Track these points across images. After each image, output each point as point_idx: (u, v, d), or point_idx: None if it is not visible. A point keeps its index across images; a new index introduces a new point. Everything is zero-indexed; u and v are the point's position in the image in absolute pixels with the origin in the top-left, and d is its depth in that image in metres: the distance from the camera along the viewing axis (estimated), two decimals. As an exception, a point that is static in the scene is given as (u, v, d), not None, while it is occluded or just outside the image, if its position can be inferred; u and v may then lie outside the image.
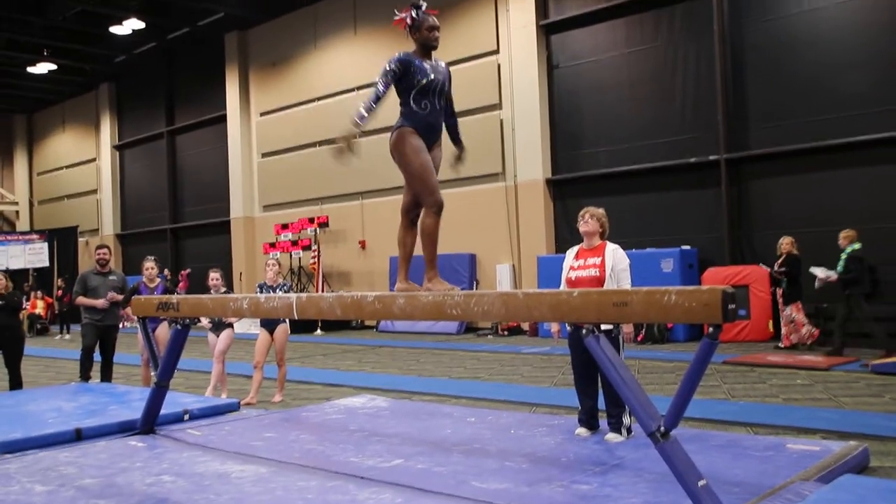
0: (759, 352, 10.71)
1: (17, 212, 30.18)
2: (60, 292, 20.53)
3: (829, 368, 9.02)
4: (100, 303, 8.59)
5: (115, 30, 20.89)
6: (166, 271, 19.87)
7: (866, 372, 8.68)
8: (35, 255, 25.26)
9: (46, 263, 25.06)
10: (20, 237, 26.22)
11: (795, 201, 12.62)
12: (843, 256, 10.27)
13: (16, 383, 8.66)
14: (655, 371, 9.52)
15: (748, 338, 12.10)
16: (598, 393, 5.44)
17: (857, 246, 10.28)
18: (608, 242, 5.56)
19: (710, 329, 3.29)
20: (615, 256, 5.42)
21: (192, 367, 11.16)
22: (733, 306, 3.17)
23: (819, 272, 10.50)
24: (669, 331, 12.68)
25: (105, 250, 9.00)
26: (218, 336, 8.28)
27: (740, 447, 4.92)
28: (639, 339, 12.52)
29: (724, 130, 13.18)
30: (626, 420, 5.26)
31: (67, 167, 28.88)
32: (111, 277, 8.83)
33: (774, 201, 12.91)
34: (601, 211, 5.67)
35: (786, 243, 11.29)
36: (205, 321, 8.13)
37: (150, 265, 8.65)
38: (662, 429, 3.39)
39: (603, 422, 5.47)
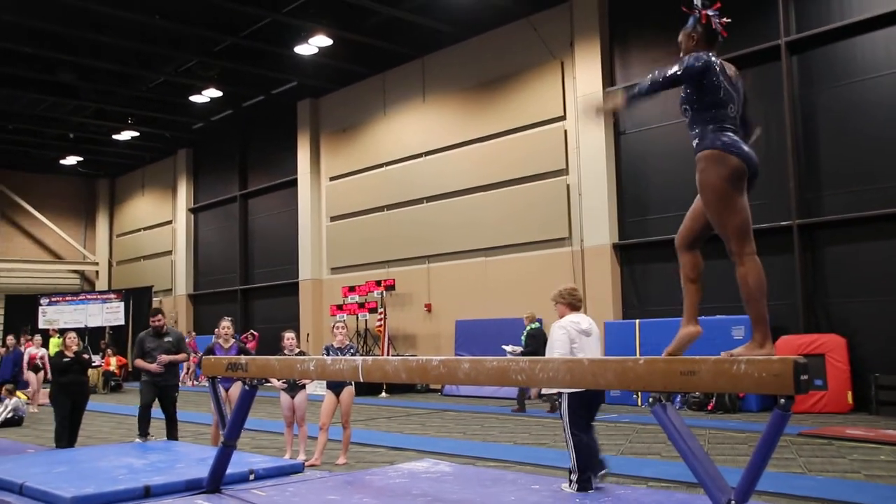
0: (838, 424, 10.30)
1: (97, 272, 31.36)
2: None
3: (913, 443, 8.62)
4: (153, 367, 8.85)
5: (195, 98, 21.85)
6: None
7: (954, 448, 8.28)
8: (112, 313, 26.17)
9: (122, 322, 25.91)
10: (99, 296, 27.26)
11: (872, 268, 12.25)
12: (525, 334, 12.83)
13: (73, 438, 8.92)
14: (727, 442, 9.23)
15: (825, 409, 11.65)
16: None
17: (535, 325, 12.74)
18: None
19: (782, 400, 3.20)
20: None
21: (258, 427, 11.27)
22: (806, 377, 3.08)
23: (508, 349, 12.76)
24: (741, 400, 12.30)
25: (159, 316, 9.29)
26: (293, 397, 8.34)
27: (817, 525, 4.72)
28: (709, 407, 12.18)
29: (795, 195, 12.94)
30: None
31: (145, 229, 29.96)
32: (167, 339, 9.10)
33: (850, 268, 12.54)
34: None
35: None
36: (278, 382, 8.19)
37: (226, 325, 8.80)
38: (733, 503, 3.29)
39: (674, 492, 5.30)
